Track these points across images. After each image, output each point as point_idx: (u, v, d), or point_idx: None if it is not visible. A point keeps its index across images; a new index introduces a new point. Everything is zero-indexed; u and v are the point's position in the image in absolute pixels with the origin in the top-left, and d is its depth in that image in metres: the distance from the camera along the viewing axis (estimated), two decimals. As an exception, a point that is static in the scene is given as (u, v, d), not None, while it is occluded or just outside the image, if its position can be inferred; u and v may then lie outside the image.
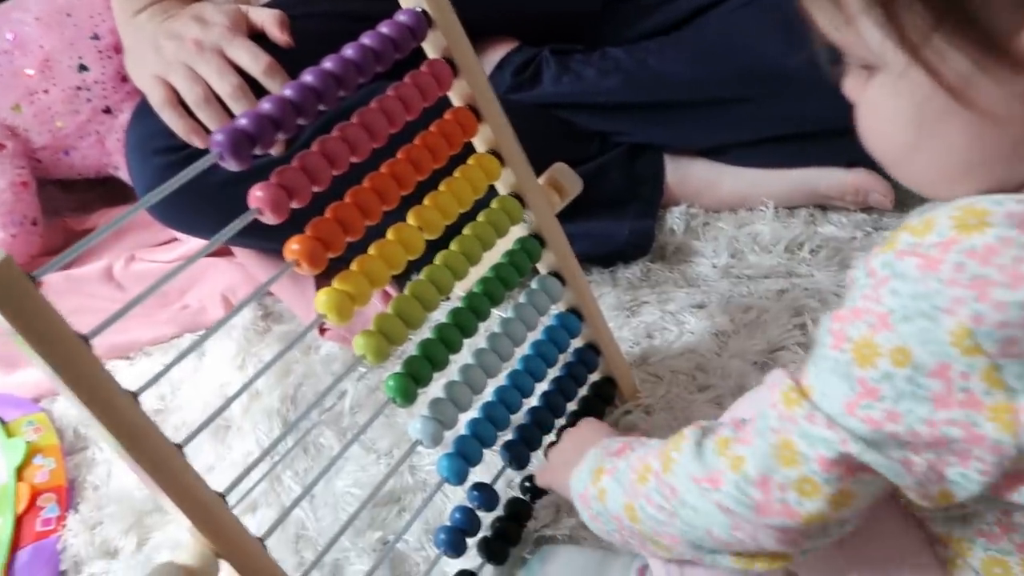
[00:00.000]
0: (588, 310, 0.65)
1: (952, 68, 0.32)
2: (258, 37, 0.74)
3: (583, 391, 0.66)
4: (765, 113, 0.82)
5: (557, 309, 0.65)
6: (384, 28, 0.52)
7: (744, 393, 0.66)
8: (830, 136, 0.79)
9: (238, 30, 0.73)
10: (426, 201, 0.55)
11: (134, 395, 0.41)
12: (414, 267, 0.84)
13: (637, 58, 0.84)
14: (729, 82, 0.82)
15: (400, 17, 0.53)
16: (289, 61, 0.72)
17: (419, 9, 0.53)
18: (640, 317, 0.76)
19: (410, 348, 0.57)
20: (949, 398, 0.32)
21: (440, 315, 0.58)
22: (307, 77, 0.50)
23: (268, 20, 0.75)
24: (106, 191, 1.00)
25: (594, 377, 0.67)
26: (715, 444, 0.39)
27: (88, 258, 0.91)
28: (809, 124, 0.81)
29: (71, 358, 0.38)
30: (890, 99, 0.35)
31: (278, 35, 0.75)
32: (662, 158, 0.86)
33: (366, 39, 0.52)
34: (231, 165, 0.45)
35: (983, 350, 0.31)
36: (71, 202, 1.01)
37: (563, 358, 0.64)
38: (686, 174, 0.86)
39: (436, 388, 0.56)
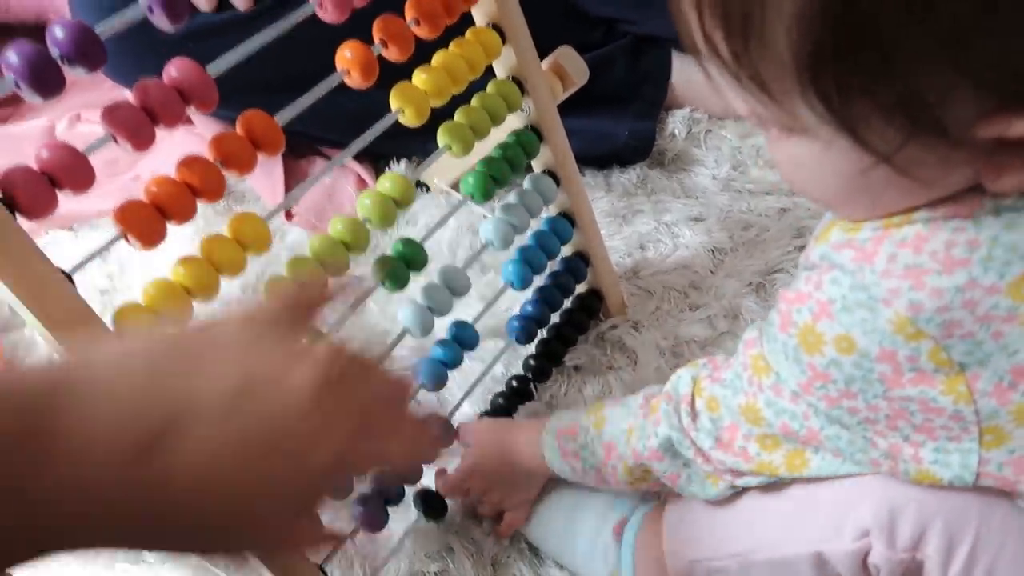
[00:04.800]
0: (582, 216, 0.59)
1: (904, 155, 0.29)
2: None
3: (568, 303, 0.62)
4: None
5: (548, 212, 0.59)
6: None
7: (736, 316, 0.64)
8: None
9: None
10: (414, 78, 0.48)
11: (68, 276, 0.35)
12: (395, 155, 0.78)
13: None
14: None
15: None
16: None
17: None
18: (633, 226, 0.71)
19: (387, 247, 0.51)
20: (900, 378, 0.33)
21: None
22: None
23: None
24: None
25: (581, 289, 0.63)
26: (692, 386, 0.43)
27: (27, 113, 0.82)
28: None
29: None
30: (822, 162, 0.32)
31: None
32: (670, 55, 0.79)
33: None
34: (163, 22, 0.37)
35: (926, 334, 0.32)
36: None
37: (551, 266, 0.60)
38: (693, 73, 0.80)
39: (415, 290, 0.51)
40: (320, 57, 0.46)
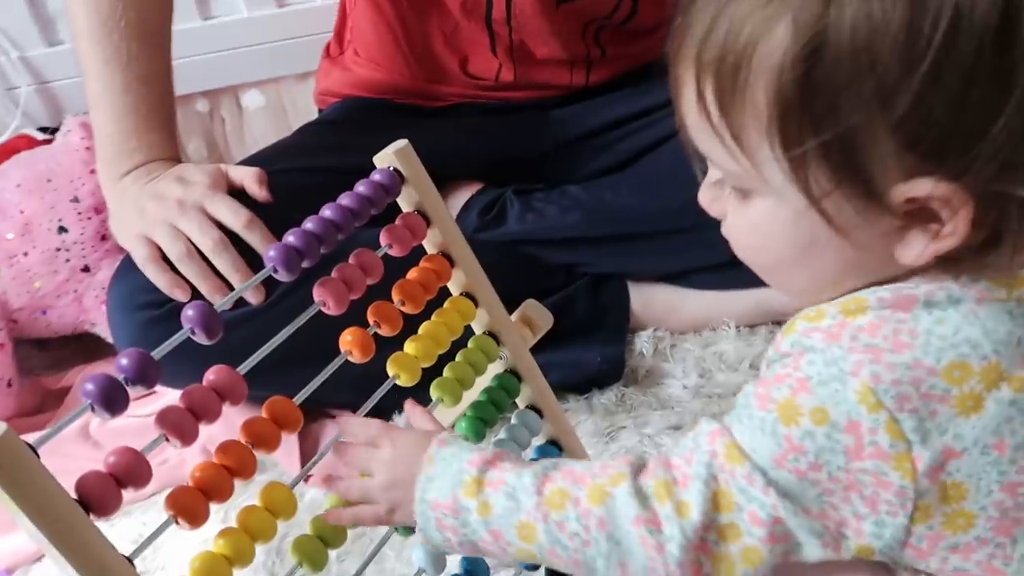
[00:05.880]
0: (567, 441, 0.66)
1: (839, 210, 0.36)
2: (238, 195, 0.78)
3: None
4: (718, 240, 0.87)
5: (537, 442, 0.66)
6: (361, 188, 0.56)
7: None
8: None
9: (218, 187, 0.77)
10: (406, 347, 0.57)
11: (129, 560, 0.41)
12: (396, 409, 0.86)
13: (595, 194, 0.90)
14: (682, 213, 0.88)
15: (375, 176, 0.57)
16: (269, 216, 0.76)
17: (391, 168, 0.57)
18: (619, 442, 0.77)
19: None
20: (861, 451, 0.37)
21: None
22: (289, 238, 0.53)
23: (247, 177, 0.79)
24: (80, 347, 1.01)
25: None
26: (655, 488, 0.40)
27: (62, 417, 0.91)
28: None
29: (71, 527, 0.38)
30: (772, 224, 0.39)
31: (257, 191, 0.79)
32: (625, 286, 0.90)
33: (344, 199, 0.55)
34: (202, 339, 0.47)
35: (884, 405, 0.36)
36: (45, 360, 1.01)
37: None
38: (649, 299, 0.90)
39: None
40: (325, 339, 0.56)
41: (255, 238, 0.75)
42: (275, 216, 0.76)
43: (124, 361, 0.43)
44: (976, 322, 0.37)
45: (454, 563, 0.58)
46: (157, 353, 0.44)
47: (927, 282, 0.38)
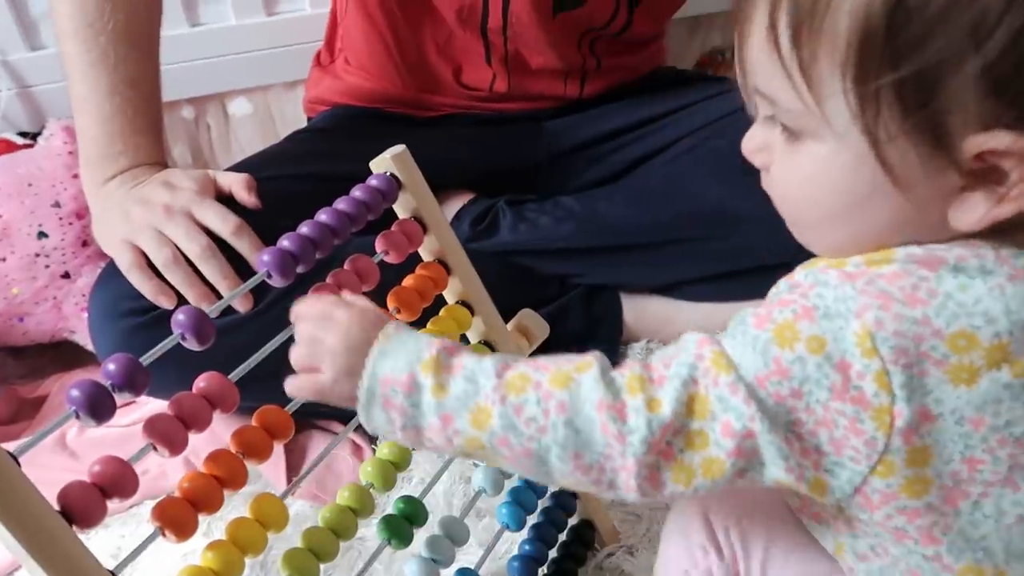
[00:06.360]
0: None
1: (902, 159, 0.35)
2: (226, 201, 0.76)
3: (563, 536, 0.65)
4: (710, 252, 0.87)
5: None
6: (357, 192, 0.55)
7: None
8: (774, 269, 0.84)
9: (206, 193, 0.76)
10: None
11: (113, 574, 0.39)
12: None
13: (588, 205, 0.90)
14: (675, 224, 0.88)
15: (372, 181, 0.56)
16: (257, 223, 0.74)
17: (388, 173, 0.56)
18: (612, 455, 0.76)
19: (388, 506, 0.56)
20: (845, 393, 0.36)
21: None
22: (284, 242, 0.52)
23: (235, 183, 0.77)
24: (58, 355, 0.98)
25: (572, 521, 0.67)
26: (627, 380, 0.39)
27: (40, 425, 0.88)
28: (752, 260, 0.86)
29: (52, 539, 0.37)
30: (826, 172, 0.37)
31: (245, 197, 0.77)
32: (618, 297, 0.90)
33: (340, 204, 0.54)
34: (193, 345, 0.45)
35: (878, 353, 0.35)
36: (21, 368, 0.98)
37: (540, 503, 0.64)
38: (642, 311, 0.90)
39: (417, 545, 0.55)
40: None
41: (244, 245, 0.73)
42: (263, 223, 0.74)
43: (111, 367, 0.41)
44: (1001, 298, 0.35)
45: (448, 574, 0.56)
46: (145, 359, 0.43)
47: (962, 247, 0.36)
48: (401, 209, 0.58)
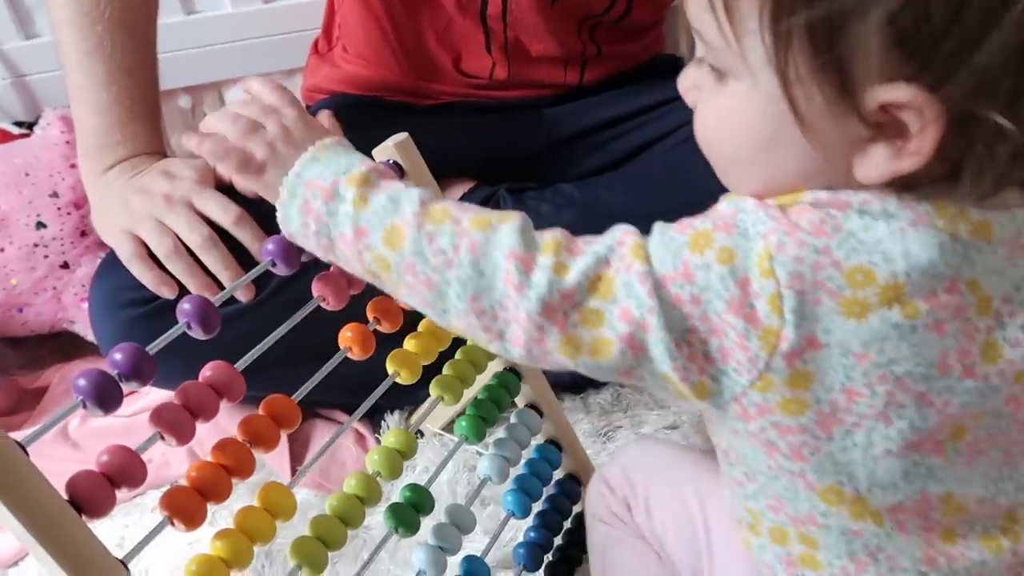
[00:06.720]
0: (567, 440, 0.65)
1: (809, 103, 0.36)
2: (226, 190, 0.76)
3: (568, 523, 0.66)
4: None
5: (537, 441, 0.65)
6: None
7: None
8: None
9: (206, 183, 0.75)
10: (406, 343, 0.56)
11: (123, 563, 0.39)
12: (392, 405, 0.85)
13: (589, 192, 0.89)
14: (675, 212, 0.87)
15: None
16: (257, 212, 0.74)
17: (391, 161, 0.56)
18: (616, 442, 0.76)
19: (394, 494, 0.56)
20: (740, 308, 0.37)
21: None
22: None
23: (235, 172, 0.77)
24: (58, 346, 0.98)
25: (577, 508, 0.67)
26: (546, 240, 0.40)
27: (41, 416, 0.88)
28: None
29: (62, 529, 0.37)
30: (741, 111, 0.38)
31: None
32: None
33: None
34: (199, 334, 0.45)
35: (775, 275, 0.36)
36: (20, 359, 0.98)
37: (546, 491, 0.64)
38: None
39: (422, 534, 0.55)
40: (322, 335, 0.54)
41: (245, 234, 0.73)
42: (264, 212, 0.74)
43: (118, 356, 0.41)
44: (901, 241, 0.36)
45: (454, 564, 0.56)
46: (152, 348, 0.42)
47: (868, 193, 0.37)
48: (404, 197, 0.58)
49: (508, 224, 0.40)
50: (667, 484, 0.55)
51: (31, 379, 0.93)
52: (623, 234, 0.40)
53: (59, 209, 0.94)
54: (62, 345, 0.97)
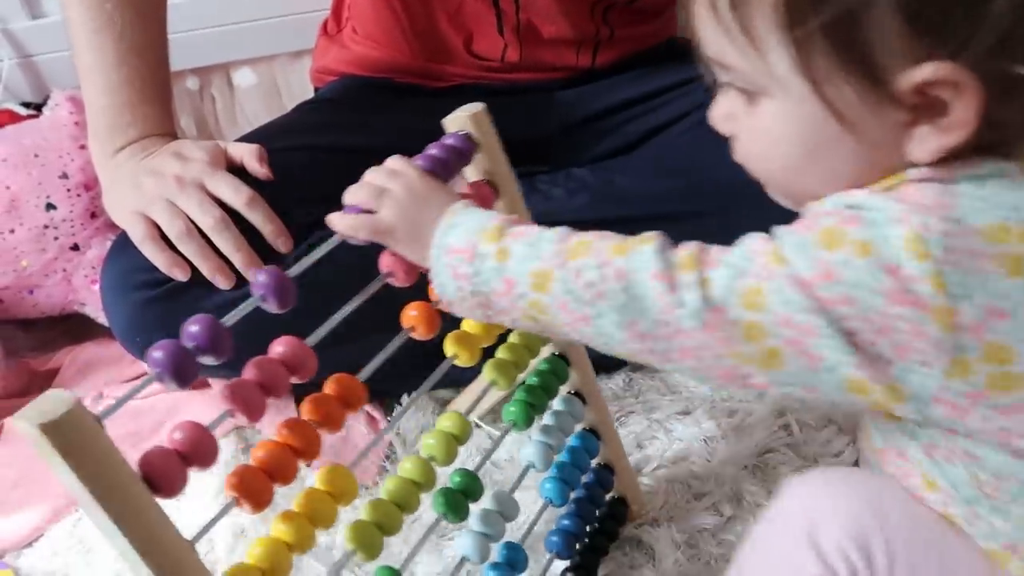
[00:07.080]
0: (607, 430, 0.64)
1: (843, 100, 0.37)
2: (237, 172, 0.75)
3: (599, 512, 0.65)
4: (724, 224, 0.86)
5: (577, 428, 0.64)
6: (433, 150, 0.52)
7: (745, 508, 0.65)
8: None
9: (218, 164, 0.75)
10: (463, 324, 0.55)
11: (191, 544, 0.39)
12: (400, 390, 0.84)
13: (602, 177, 0.89)
14: (689, 196, 0.87)
15: (447, 140, 0.53)
16: (269, 194, 0.73)
17: (465, 132, 0.53)
18: (628, 427, 0.76)
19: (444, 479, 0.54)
20: (901, 296, 0.36)
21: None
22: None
23: (247, 154, 0.76)
24: (68, 328, 0.98)
25: (607, 496, 0.67)
26: (683, 257, 0.40)
27: (52, 398, 0.88)
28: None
29: (135, 508, 0.36)
30: (781, 125, 0.39)
31: (257, 168, 0.76)
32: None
33: (418, 161, 0.51)
34: (273, 307, 0.44)
35: (932, 256, 0.36)
36: (31, 340, 0.98)
37: (582, 479, 0.63)
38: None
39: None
40: (383, 314, 0.53)
41: (257, 216, 0.72)
42: (275, 194, 0.73)
43: (194, 328, 0.40)
44: (1017, 188, 0.37)
45: (494, 551, 0.55)
46: (227, 320, 0.41)
47: (958, 161, 0.37)
48: (472, 170, 0.55)
49: (646, 247, 0.40)
50: (926, 552, 0.40)
51: (42, 361, 0.93)
52: (757, 241, 0.40)
53: (69, 190, 0.93)
54: (73, 327, 0.97)
